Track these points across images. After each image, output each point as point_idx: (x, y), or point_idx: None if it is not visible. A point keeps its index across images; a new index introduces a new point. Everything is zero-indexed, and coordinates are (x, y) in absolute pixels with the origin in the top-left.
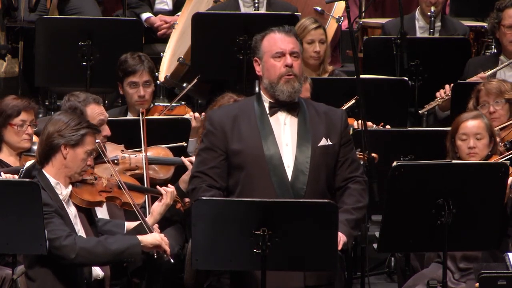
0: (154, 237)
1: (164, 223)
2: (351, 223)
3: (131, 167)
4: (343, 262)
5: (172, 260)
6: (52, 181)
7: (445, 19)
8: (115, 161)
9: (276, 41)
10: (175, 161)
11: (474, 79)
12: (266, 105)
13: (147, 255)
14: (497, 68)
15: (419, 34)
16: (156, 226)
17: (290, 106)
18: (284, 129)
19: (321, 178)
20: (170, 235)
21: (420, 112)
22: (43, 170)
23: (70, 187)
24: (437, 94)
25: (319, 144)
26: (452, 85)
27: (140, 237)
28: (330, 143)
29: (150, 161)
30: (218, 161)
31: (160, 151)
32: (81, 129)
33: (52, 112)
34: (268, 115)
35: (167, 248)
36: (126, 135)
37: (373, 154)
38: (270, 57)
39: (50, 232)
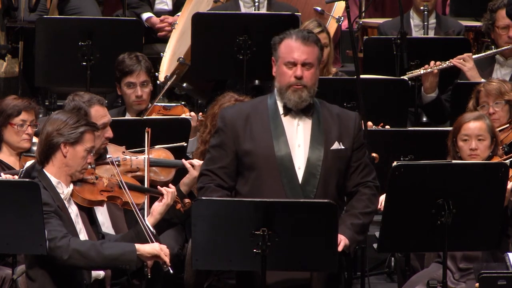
0: (153, 247)
1: (163, 225)
2: (356, 228)
3: (132, 168)
4: (343, 263)
5: (171, 271)
6: (53, 180)
7: (439, 17)
8: (117, 162)
9: (292, 49)
10: (176, 163)
11: (460, 56)
12: (280, 104)
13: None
14: (484, 53)
15: (414, 32)
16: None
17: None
18: (297, 130)
19: (331, 181)
20: (170, 235)
21: (402, 77)
22: (44, 170)
23: (72, 186)
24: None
25: (331, 148)
26: (437, 62)
27: (137, 246)
28: (343, 147)
29: (151, 163)
30: (228, 160)
31: (161, 153)
32: (80, 127)
33: (52, 112)
34: (282, 115)
35: (167, 259)
36: (125, 134)
37: (374, 154)
38: (283, 64)
39: (47, 232)
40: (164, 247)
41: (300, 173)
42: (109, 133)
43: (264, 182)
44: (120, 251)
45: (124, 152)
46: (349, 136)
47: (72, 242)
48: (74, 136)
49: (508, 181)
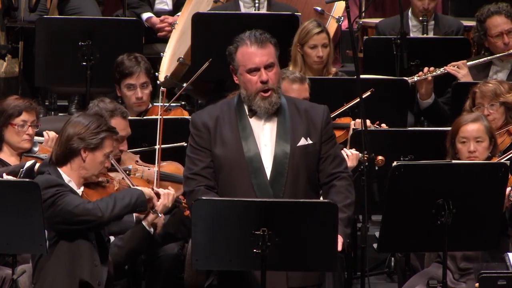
0: (150, 190)
1: (167, 239)
2: (344, 221)
3: (143, 179)
4: (343, 262)
5: (159, 215)
6: (65, 178)
7: (438, 16)
8: (127, 171)
9: (250, 56)
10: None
11: (454, 63)
12: (246, 107)
13: (148, 256)
14: (480, 60)
15: (412, 32)
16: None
17: None
18: (264, 129)
19: (301, 178)
20: None
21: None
22: (57, 167)
23: (82, 188)
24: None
25: (298, 144)
26: (431, 68)
27: (139, 188)
28: (310, 142)
29: (162, 177)
30: (209, 160)
31: (173, 168)
32: (101, 133)
33: (52, 113)
34: (248, 116)
35: (156, 203)
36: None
37: (379, 157)
38: (245, 72)
39: (68, 204)
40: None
41: (268, 172)
42: (124, 147)
43: (234, 183)
44: (134, 197)
45: (137, 161)
46: (316, 130)
47: (98, 203)
48: (95, 142)
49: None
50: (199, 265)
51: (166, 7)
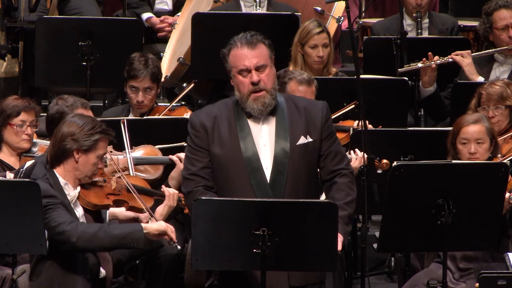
0: (159, 224)
1: None
2: (345, 219)
3: (120, 168)
4: (343, 262)
5: (179, 247)
6: (61, 181)
7: (432, 15)
8: (105, 163)
9: (241, 57)
10: (162, 160)
11: (459, 52)
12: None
13: (148, 255)
14: (484, 51)
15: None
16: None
17: None
18: (262, 130)
19: (301, 177)
20: None
21: (399, 70)
22: (53, 170)
23: (79, 188)
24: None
25: (297, 143)
26: (436, 56)
27: (144, 224)
28: (310, 140)
29: (138, 162)
30: (207, 160)
31: (148, 151)
32: (95, 134)
33: None
34: (246, 116)
35: (173, 236)
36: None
37: (385, 160)
38: (237, 74)
39: (53, 220)
40: (169, 225)
41: (267, 173)
42: None
43: (233, 183)
44: (127, 230)
45: (111, 151)
46: (316, 127)
47: (79, 226)
48: (88, 144)
49: (506, 191)
50: (199, 265)
51: (166, 7)
